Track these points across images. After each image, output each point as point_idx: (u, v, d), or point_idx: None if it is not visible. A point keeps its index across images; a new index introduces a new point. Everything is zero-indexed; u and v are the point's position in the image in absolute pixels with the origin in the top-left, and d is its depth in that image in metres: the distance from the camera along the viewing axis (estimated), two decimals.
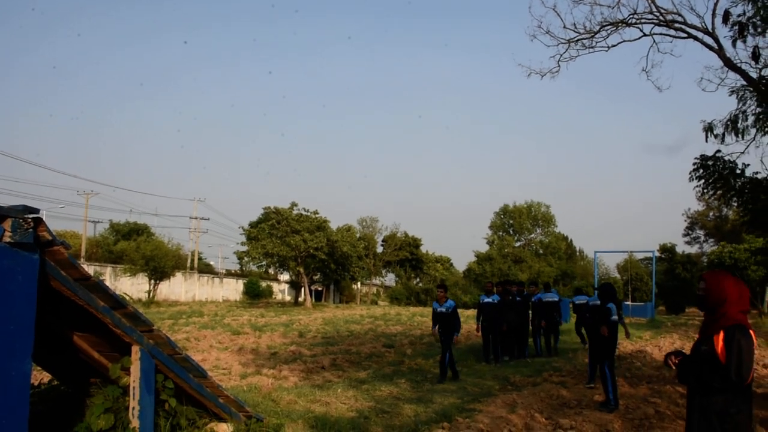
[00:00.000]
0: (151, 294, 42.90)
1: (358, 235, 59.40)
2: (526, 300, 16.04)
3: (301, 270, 47.10)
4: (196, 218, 65.13)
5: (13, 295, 3.79)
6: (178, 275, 50.65)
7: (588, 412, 8.38)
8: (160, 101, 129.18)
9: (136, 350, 5.01)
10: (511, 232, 70.83)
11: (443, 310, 12.01)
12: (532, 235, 71.46)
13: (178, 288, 51.42)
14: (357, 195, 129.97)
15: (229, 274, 67.47)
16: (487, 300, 14.52)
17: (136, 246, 42.56)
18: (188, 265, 58.95)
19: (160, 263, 41.84)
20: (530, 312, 16.44)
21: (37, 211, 3.87)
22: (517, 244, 68.87)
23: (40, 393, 6.36)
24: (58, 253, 4.08)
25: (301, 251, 44.50)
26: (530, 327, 16.50)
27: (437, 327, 12.15)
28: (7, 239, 3.72)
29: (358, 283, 68.25)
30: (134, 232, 55.54)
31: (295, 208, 46.39)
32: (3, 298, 3.73)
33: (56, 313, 4.85)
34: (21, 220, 3.78)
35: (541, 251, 68.60)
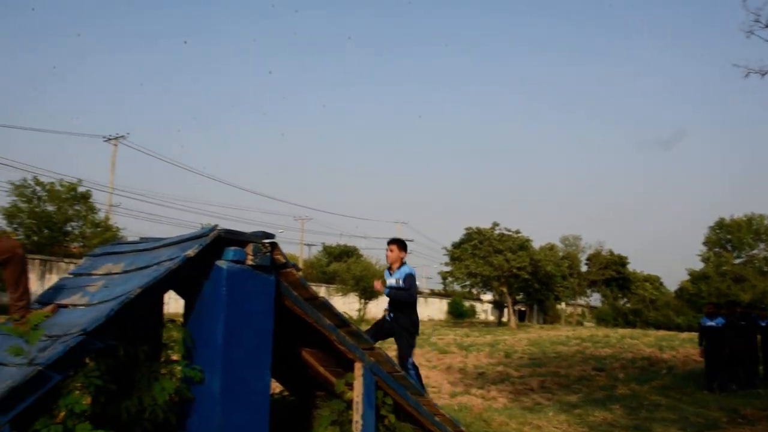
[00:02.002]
0: (361, 312, 44.72)
1: (561, 254, 57.82)
2: (752, 323, 14.63)
3: (505, 290, 46.73)
4: None
5: (255, 313, 4.17)
6: None
7: None
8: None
9: (358, 367, 5.25)
10: (729, 248, 64.97)
11: (394, 283, 7.35)
12: (755, 251, 64.91)
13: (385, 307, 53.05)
14: (558, 213, 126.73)
15: (434, 293, 68.51)
16: (710, 323, 13.44)
17: (347, 267, 44.73)
18: None
19: (369, 283, 43.58)
20: (759, 337, 14.95)
21: (273, 236, 4.24)
22: (737, 261, 62.99)
23: (274, 402, 6.87)
24: (291, 275, 4.42)
25: (504, 271, 44.18)
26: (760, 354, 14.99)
27: (387, 311, 7.57)
28: (249, 262, 4.10)
29: (563, 303, 66.26)
30: (345, 254, 58.29)
31: (496, 227, 46.24)
32: (246, 315, 4.12)
33: (287, 329, 5.24)
34: (260, 245, 4.15)
35: (765, 269, 62.16)
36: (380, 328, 7.56)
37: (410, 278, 7.19)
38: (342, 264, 47.70)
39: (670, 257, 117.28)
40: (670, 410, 10.80)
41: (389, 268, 7.47)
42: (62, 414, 3.53)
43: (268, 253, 4.19)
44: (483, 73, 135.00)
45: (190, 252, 3.91)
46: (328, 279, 51.84)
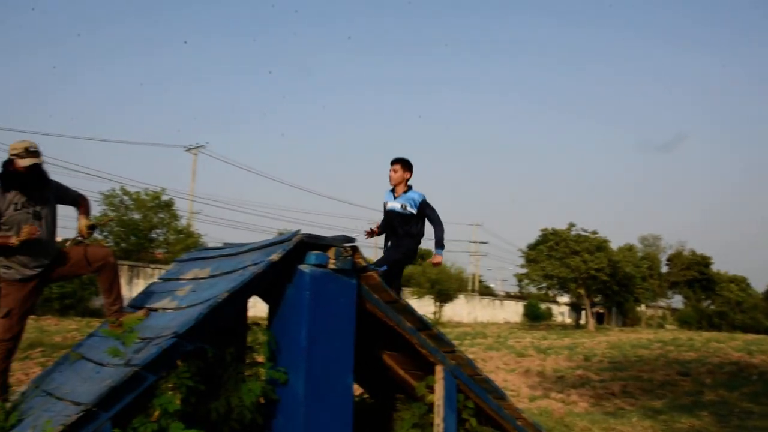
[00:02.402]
0: (436, 315, 44.62)
1: (640, 255, 56.24)
2: None
3: (582, 292, 45.77)
4: (475, 242, 66.79)
5: (337, 315, 4.23)
6: (461, 297, 52.08)
7: None
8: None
9: (439, 370, 5.25)
10: None
11: (397, 207, 6.54)
12: None
13: (460, 310, 52.79)
14: (636, 213, 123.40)
15: (509, 296, 67.75)
16: None
17: (422, 270, 44.72)
18: (469, 287, 60.40)
19: (444, 286, 43.50)
20: None
21: (353, 240, 4.29)
22: None
23: (354, 404, 6.94)
24: (372, 278, 4.47)
25: (581, 272, 43.27)
26: None
27: (383, 235, 6.85)
28: (331, 266, 4.17)
29: (643, 306, 64.39)
30: (419, 256, 58.29)
31: (573, 228, 45.36)
32: (329, 318, 4.19)
33: (368, 332, 5.29)
34: (342, 249, 4.21)
35: None
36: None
37: (425, 204, 6.52)
38: (416, 267, 47.73)
39: (757, 258, 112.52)
40: (764, 419, 10.34)
41: (392, 190, 6.67)
42: (157, 413, 3.67)
43: (350, 257, 4.25)
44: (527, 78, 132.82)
45: (274, 256, 4.00)
46: (403, 282, 51.78)
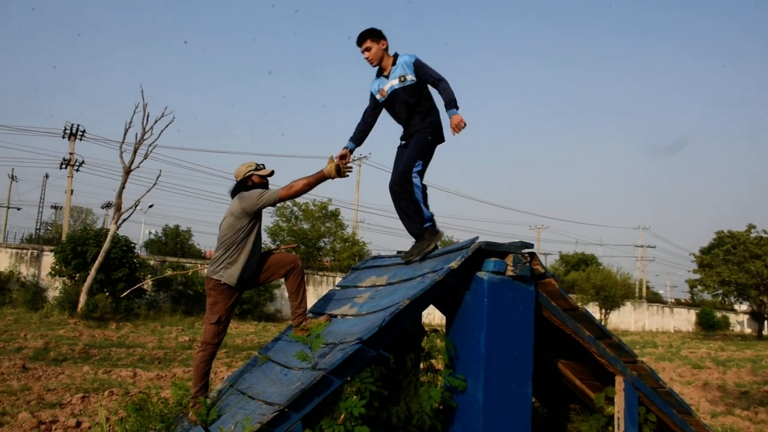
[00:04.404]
0: (602, 322, 42.97)
1: None
2: None
3: (765, 299, 42.26)
4: (641, 246, 63.77)
5: (516, 323, 4.17)
6: (628, 304, 49.90)
7: None
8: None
9: (619, 381, 5.04)
10: None
11: (397, 84, 5.23)
12: None
13: (627, 317, 50.56)
14: None
15: (679, 303, 63.94)
16: None
17: (586, 276, 43.33)
18: (636, 294, 57.73)
19: (610, 292, 41.84)
20: None
21: (531, 246, 4.22)
22: None
23: None
24: (550, 285, 4.37)
25: (763, 278, 39.98)
26: None
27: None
28: (509, 273, 4.13)
29: None
30: (582, 262, 56.55)
31: (752, 230, 42.04)
32: (508, 326, 4.14)
33: (543, 340, 5.18)
34: (520, 256, 4.16)
35: None
36: None
37: (419, 63, 5.17)
38: (581, 273, 46.22)
39: None
40: None
41: (379, 73, 5.37)
42: (342, 416, 3.79)
43: (528, 264, 4.19)
44: None
45: (454, 264, 4.02)
46: (567, 288, 50.59)
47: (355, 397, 3.85)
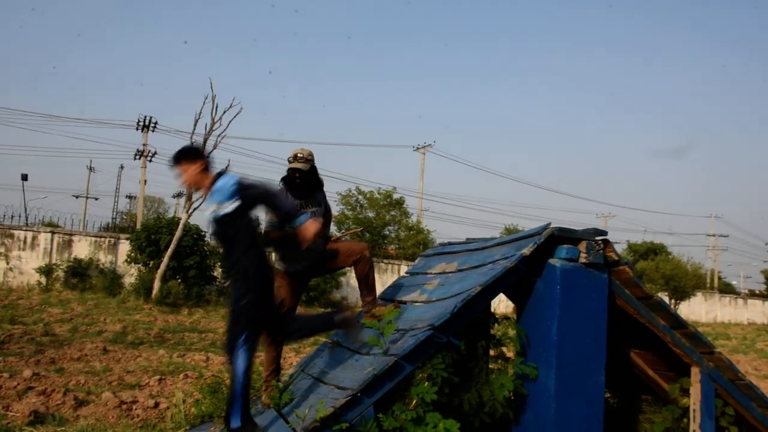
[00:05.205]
0: None
1: None
2: None
3: None
4: (713, 235, 61.82)
5: (589, 311, 4.12)
6: (698, 295, 48.46)
7: None
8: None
9: (695, 372, 4.91)
10: None
11: (215, 211, 4.00)
12: None
13: (698, 308, 49.10)
14: None
15: (753, 294, 61.67)
16: None
17: (655, 265, 42.25)
18: (708, 284, 55.99)
19: (680, 282, 40.68)
20: None
21: (605, 233, 4.15)
22: None
23: None
24: (624, 273, 4.29)
25: None
26: None
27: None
28: (582, 260, 4.07)
29: None
30: (651, 251, 55.19)
31: None
32: (581, 314, 4.09)
33: (616, 329, 5.09)
34: (593, 242, 4.10)
35: None
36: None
37: (237, 188, 3.94)
38: (649, 262, 45.09)
39: None
40: None
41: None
42: (414, 401, 3.83)
43: (601, 251, 4.13)
44: None
45: (526, 251, 4.00)
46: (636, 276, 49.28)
47: (426, 383, 3.87)
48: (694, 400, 4.97)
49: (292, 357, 10.62)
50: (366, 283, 4.91)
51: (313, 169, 4.90)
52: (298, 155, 4.78)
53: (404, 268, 28.10)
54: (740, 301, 56.21)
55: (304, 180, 4.79)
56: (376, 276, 28.78)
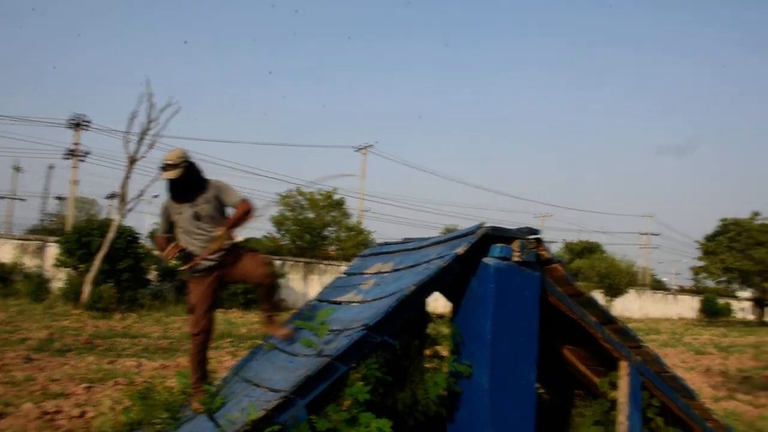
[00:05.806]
0: None
1: None
2: None
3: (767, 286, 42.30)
4: (645, 234, 63.78)
5: (521, 309, 4.17)
6: (631, 292, 49.92)
7: None
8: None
9: (624, 366, 5.03)
10: None
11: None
12: None
13: (631, 305, 50.52)
14: None
15: (683, 290, 63.91)
16: None
17: (590, 263, 43.32)
18: (640, 281, 57.73)
19: (615, 280, 41.87)
20: None
21: (538, 232, 4.20)
22: None
23: None
24: (556, 271, 4.36)
25: (767, 265, 39.98)
26: None
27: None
28: (515, 258, 4.12)
29: None
30: (587, 250, 56.49)
31: (757, 217, 42.01)
32: (514, 311, 4.14)
33: (548, 326, 5.17)
34: (526, 241, 4.14)
35: None
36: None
37: None
38: (585, 260, 46.19)
39: None
40: None
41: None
42: (348, 402, 3.79)
43: (534, 249, 4.17)
44: None
45: (460, 250, 4.01)
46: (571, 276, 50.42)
47: (360, 383, 3.85)
48: (622, 393, 5.09)
49: (228, 360, 10.45)
50: (265, 302, 4.84)
51: (190, 169, 4.57)
52: (167, 163, 4.50)
53: (344, 269, 27.98)
54: (671, 297, 58.15)
55: (181, 186, 4.56)
56: (317, 277, 28.67)
